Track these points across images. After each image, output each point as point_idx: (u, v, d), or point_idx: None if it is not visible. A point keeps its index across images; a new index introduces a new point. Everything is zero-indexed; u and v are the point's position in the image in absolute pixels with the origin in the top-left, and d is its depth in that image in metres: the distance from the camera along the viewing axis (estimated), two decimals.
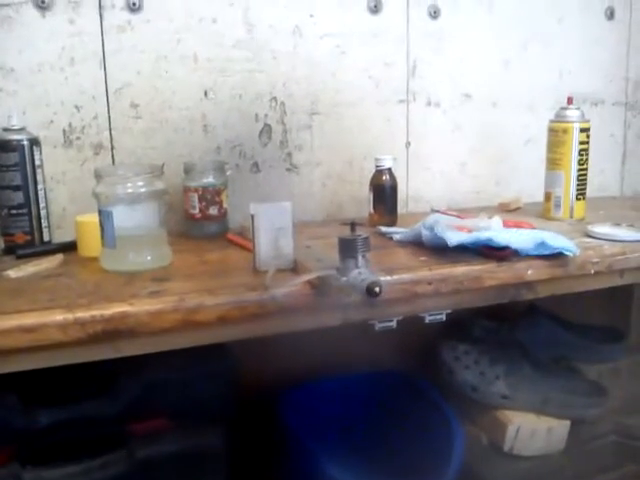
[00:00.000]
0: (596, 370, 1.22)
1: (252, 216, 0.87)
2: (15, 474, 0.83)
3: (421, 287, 0.87)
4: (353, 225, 0.77)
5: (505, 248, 0.91)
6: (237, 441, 0.99)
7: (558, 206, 1.23)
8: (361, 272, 0.73)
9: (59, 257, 0.95)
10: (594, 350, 1.25)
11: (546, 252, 0.92)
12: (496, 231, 0.94)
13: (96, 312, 0.72)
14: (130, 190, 0.87)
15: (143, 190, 0.87)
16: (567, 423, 1.16)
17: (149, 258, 0.89)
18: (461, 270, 0.89)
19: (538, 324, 1.28)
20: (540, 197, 1.29)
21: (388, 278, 0.82)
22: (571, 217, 1.22)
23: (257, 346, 0.88)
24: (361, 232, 0.78)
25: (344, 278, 0.75)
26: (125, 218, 0.87)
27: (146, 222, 0.89)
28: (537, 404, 1.17)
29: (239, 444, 1.01)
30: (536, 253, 0.93)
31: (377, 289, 0.69)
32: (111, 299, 0.75)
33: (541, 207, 1.28)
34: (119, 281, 0.83)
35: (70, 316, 0.71)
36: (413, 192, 1.36)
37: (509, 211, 1.33)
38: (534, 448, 1.15)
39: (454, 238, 0.90)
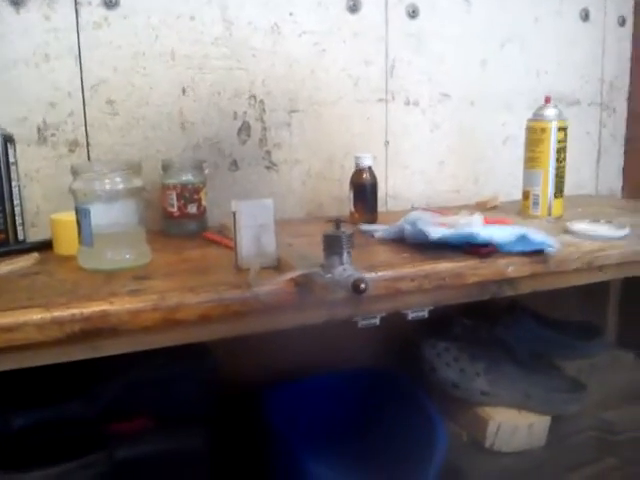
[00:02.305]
0: (575, 366, 1.23)
1: (233, 213, 0.86)
2: None
3: (404, 284, 0.87)
4: (337, 222, 0.76)
5: (487, 244, 0.91)
6: (220, 440, 0.98)
7: (536, 204, 1.24)
8: (346, 269, 0.73)
9: (34, 256, 0.93)
10: (573, 346, 1.27)
11: (527, 247, 0.93)
12: (477, 227, 0.94)
13: (75, 311, 0.70)
14: (108, 187, 0.85)
15: (121, 187, 0.86)
16: (547, 419, 1.17)
17: (128, 256, 0.87)
18: (444, 266, 0.89)
19: (518, 321, 1.29)
20: (518, 195, 1.30)
21: (373, 275, 0.82)
22: (549, 215, 1.23)
23: (239, 344, 0.87)
24: (345, 229, 0.77)
25: (329, 275, 0.74)
26: (103, 216, 0.85)
27: (124, 220, 0.87)
28: (518, 400, 1.17)
29: (222, 443, 0.99)
30: (518, 249, 0.93)
31: (363, 285, 0.69)
32: (90, 298, 0.73)
33: (519, 205, 1.28)
34: (98, 280, 0.81)
35: (48, 315, 0.69)
36: (392, 191, 1.36)
37: (487, 209, 1.34)
38: (515, 444, 1.15)
39: (436, 232, 0.90)
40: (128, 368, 0.91)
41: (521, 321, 1.30)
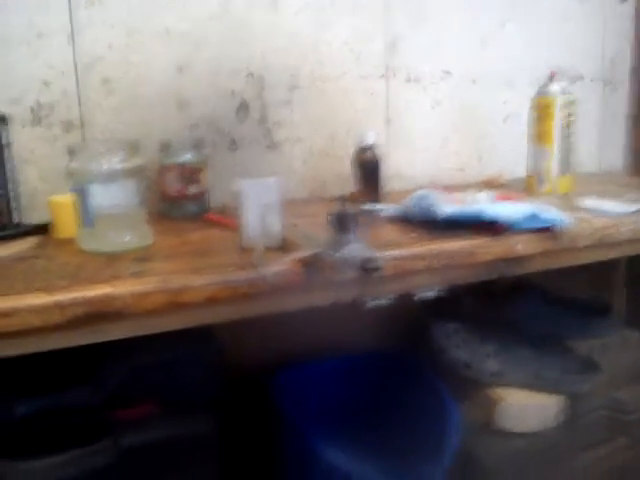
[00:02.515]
0: (586, 345, 1.21)
1: (238, 193, 0.83)
2: None
3: (413, 263, 0.84)
4: (344, 200, 0.74)
5: (496, 222, 0.89)
6: (228, 425, 0.96)
7: (542, 181, 1.22)
8: (355, 247, 0.70)
9: (32, 239, 0.90)
10: (584, 325, 1.24)
11: (539, 224, 0.91)
12: (487, 205, 0.92)
13: (77, 294, 0.67)
14: (106, 167, 0.82)
15: (119, 166, 0.83)
16: (559, 399, 1.15)
17: (129, 238, 0.85)
18: (454, 245, 0.86)
19: (527, 301, 1.27)
20: (521, 173, 1.28)
21: (381, 254, 0.79)
22: (555, 192, 1.21)
23: (244, 327, 0.85)
24: (352, 207, 0.74)
25: (338, 254, 0.72)
26: (102, 196, 0.83)
27: (125, 200, 0.85)
28: (529, 381, 1.15)
29: (230, 428, 0.97)
30: (528, 226, 0.91)
31: (374, 264, 0.66)
32: (92, 280, 0.70)
33: (524, 183, 1.26)
34: (99, 262, 0.79)
35: (49, 299, 0.66)
36: (395, 170, 1.33)
37: (492, 187, 1.31)
38: (526, 425, 1.13)
39: (445, 211, 0.87)
40: (133, 353, 0.89)
41: (530, 300, 1.28)
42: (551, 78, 1.21)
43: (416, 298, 0.87)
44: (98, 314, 0.68)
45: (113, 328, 0.70)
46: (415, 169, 1.36)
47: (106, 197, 0.83)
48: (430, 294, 0.89)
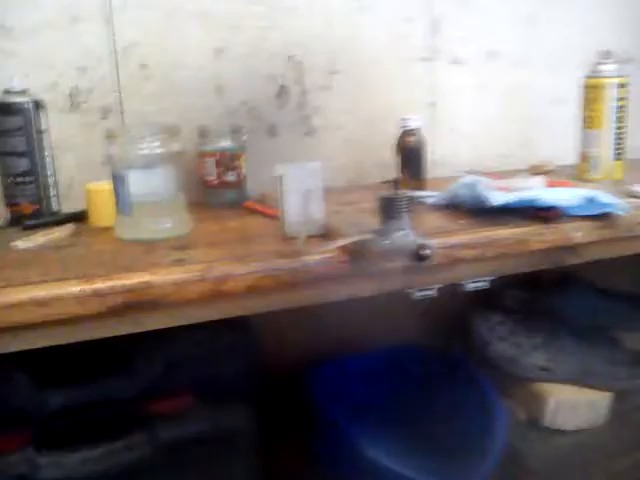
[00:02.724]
0: (637, 338, 1.15)
1: (279, 178, 0.80)
2: (30, 459, 0.77)
3: (463, 252, 0.80)
4: (396, 182, 0.70)
5: (551, 208, 0.84)
6: (265, 419, 0.93)
7: (595, 167, 1.16)
8: (406, 234, 0.66)
9: (69, 227, 0.88)
10: (633, 317, 1.19)
11: (595, 211, 0.86)
12: (540, 190, 0.87)
13: (115, 283, 0.65)
14: (146, 151, 0.80)
15: (159, 151, 0.80)
16: (609, 395, 1.10)
17: (168, 225, 0.82)
18: (506, 233, 0.82)
19: (574, 292, 1.22)
20: (569, 159, 1.22)
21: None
22: (609, 178, 1.15)
23: (283, 318, 0.82)
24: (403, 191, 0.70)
25: (387, 241, 0.68)
26: (141, 182, 0.80)
27: (163, 186, 0.82)
28: (577, 376, 1.10)
29: (267, 422, 0.95)
30: (585, 212, 0.86)
31: (427, 252, 0.62)
32: (131, 269, 0.68)
33: (573, 169, 1.21)
34: (137, 250, 0.76)
35: (87, 287, 0.64)
36: (437, 156, 1.28)
37: (539, 174, 1.26)
38: (575, 422, 1.09)
39: (498, 198, 0.83)
40: (168, 343, 0.86)
41: (578, 291, 1.22)
42: (604, 57, 1.15)
43: (467, 289, 0.82)
44: (137, 303, 0.65)
45: (152, 318, 0.68)
46: (458, 155, 1.31)
47: (145, 183, 0.81)
48: (480, 285, 0.85)
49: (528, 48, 1.34)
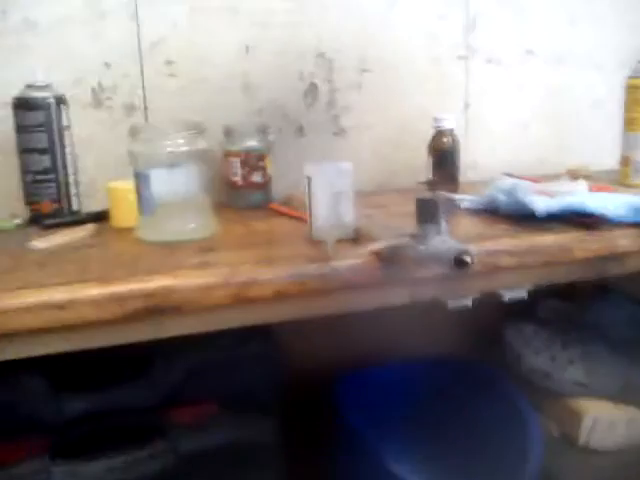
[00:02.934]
0: None
1: (307, 178, 0.76)
2: (45, 468, 0.74)
3: (503, 259, 0.76)
4: (432, 183, 0.65)
5: (595, 215, 0.79)
6: (288, 430, 0.89)
7: (638, 171, 1.10)
8: (445, 240, 0.62)
9: (90, 227, 0.85)
10: None
11: None
12: (584, 196, 0.82)
13: (136, 286, 0.62)
14: (170, 149, 0.76)
15: (184, 149, 0.77)
16: None
17: (193, 227, 0.78)
18: (550, 240, 0.77)
19: (612, 303, 1.16)
20: (609, 164, 1.17)
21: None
22: None
23: (308, 326, 0.78)
24: (442, 193, 0.66)
25: (423, 247, 0.63)
26: (165, 182, 0.77)
27: (188, 186, 0.78)
28: (616, 391, 1.05)
29: (290, 433, 0.91)
30: (631, 220, 0.80)
31: (468, 259, 0.58)
32: (152, 272, 0.64)
33: (614, 174, 1.15)
34: (160, 252, 0.73)
35: (106, 291, 0.61)
36: (471, 158, 1.23)
37: (577, 178, 1.20)
38: (613, 441, 1.03)
39: (541, 205, 0.78)
40: (189, 350, 0.83)
41: (615, 303, 1.17)
42: None
43: (505, 299, 0.78)
44: (158, 308, 0.62)
45: (173, 324, 0.65)
46: (492, 157, 1.26)
47: (169, 182, 0.77)
48: (518, 295, 0.80)
49: (569, 47, 1.29)
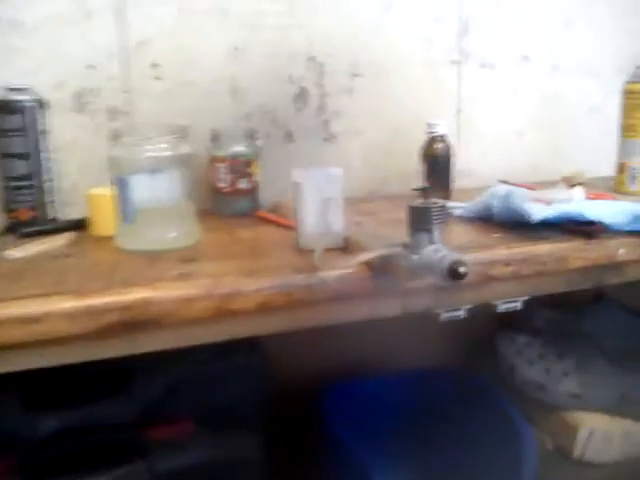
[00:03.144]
0: None
1: (295, 184, 0.73)
2: None
3: (497, 269, 0.73)
4: (426, 190, 0.63)
5: (594, 223, 0.77)
6: (273, 446, 0.86)
7: (634, 178, 1.08)
8: (438, 249, 0.59)
9: (68, 236, 0.82)
10: None
11: None
12: (581, 203, 0.80)
13: (112, 299, 0.58)
14: (152, 154, 0.73)
15: (167, 154, 0.74)
16: None
17: (174, 235, 0.75)
18: (545, 249, 0.75)
19: (607, 313, 1.14)
20: (604, 171, 1.15)
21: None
22: None
23: (293, 337, 0.75)
24: (436, 200, 0.63)
25: (416, 257, 0.61)
26: (146, 188, 0.74)
27: (170, 193, 0.75)
28: (612, 404, 1.02)
29: (275, 449, 0.87)
30: (630, 228, 0.78)
31: (463, 269, 0.55)
32: (130, 283, 0.61)
33: (609, 181, 1.13)
34: (139, 262, 0.69)
35: (80, 303, 0.57)
36: (464, 165, 1.20)
37: (572, 185, 1.18)
38: (608, 454, 1.01)
39: (537, 212, 0.75)
40: (168, 365, 0.80)
41: (611, 313, 1.15)
42: None
43: (499, 310, 0.75)
44: (135, 322, 0.59)
45: (151, 338, 0.61)
46: (485, 164, 1.24)
47: (150, 189, 0.74)
48: (513, 305, 0.77)
49: (564, 52, 1.28)
